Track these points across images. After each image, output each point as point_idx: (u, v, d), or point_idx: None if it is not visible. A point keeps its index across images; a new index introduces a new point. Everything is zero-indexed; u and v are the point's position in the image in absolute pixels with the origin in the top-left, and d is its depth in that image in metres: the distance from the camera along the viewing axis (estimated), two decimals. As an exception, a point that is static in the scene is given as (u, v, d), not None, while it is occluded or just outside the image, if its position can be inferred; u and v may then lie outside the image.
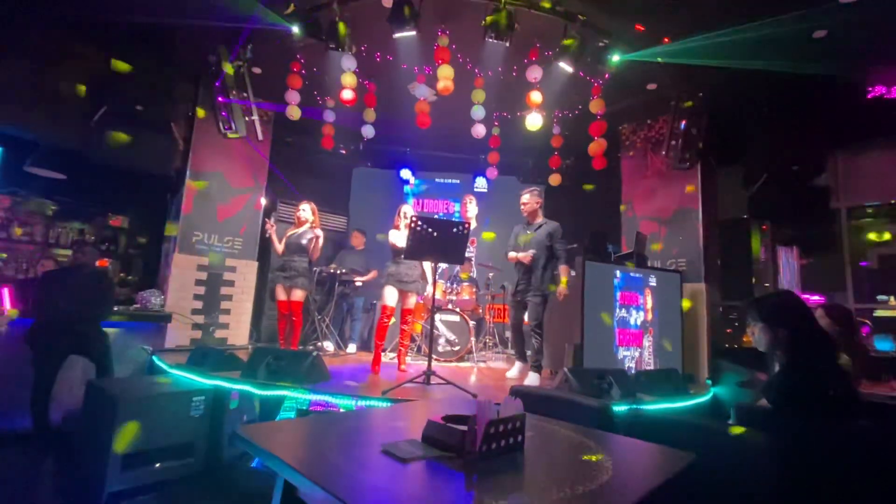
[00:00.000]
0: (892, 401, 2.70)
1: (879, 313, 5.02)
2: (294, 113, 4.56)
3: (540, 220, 4.02)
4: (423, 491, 0.90)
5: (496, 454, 1.08)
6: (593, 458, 1.12)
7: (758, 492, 1.45)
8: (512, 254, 4.01)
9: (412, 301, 4.06)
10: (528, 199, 4.06)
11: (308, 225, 4.42)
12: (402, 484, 0.91)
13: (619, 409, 2.73)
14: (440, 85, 4.11)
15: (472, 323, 5.19)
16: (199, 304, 4.88)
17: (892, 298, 4.96)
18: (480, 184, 7.47)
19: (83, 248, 3.56)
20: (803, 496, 1.60)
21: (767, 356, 2.05)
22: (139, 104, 4.94)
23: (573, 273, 3.93)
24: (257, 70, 4.87)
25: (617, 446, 1.30)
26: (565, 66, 4.12)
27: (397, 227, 4.02)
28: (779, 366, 1.95)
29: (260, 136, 5.15)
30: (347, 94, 4.32)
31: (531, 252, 3.83)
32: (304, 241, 4.29)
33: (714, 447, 1.55)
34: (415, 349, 5.38)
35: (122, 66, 4.46)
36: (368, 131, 5.01)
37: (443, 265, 5.44)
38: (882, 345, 4.56)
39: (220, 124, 4.84)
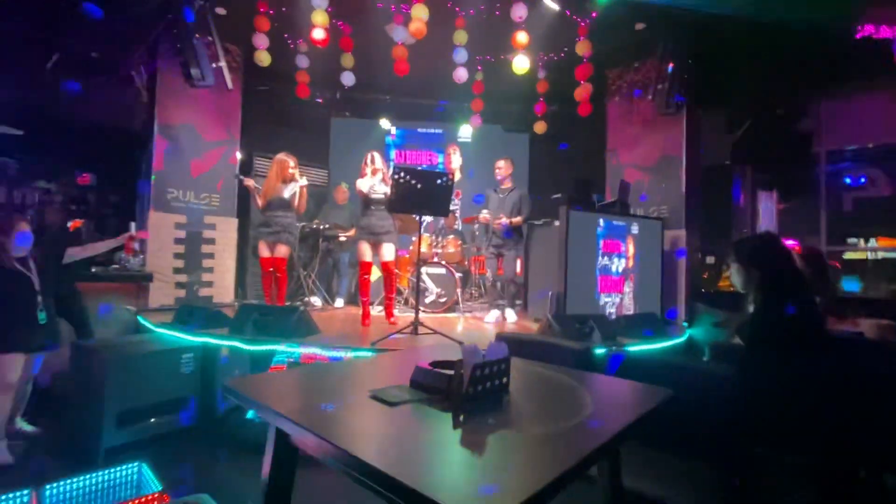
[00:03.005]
0: (854, 336, 2.88)
1: (848, 255, 5.22)
2: (263, 58, 4.27)
3: (510, 185, 4.49)
4: (412, 431, 0.93)
5: (482, 395, 1.11)
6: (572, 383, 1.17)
7: (728, 421, 1.55)
8: (485, 213, 4.50)
9: (388, 251, 3.93)
10: (504, 164, 4.49)
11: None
12: (390, 426, 0.94)
13: (600, 351, 2.84)
14: (412, 26, 3.87)
15: (458, 275, 5.24)
16: (180, 263, 4.79)
17: (861, 241, 5.15)
18: (464, 133, 7.27)
19: (46, 209, 3.44)
20: (769, 424, 1.72)
21: (744, 296, 2.13)
22: (94, 51, 4.56)
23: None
24: (221, 10, 4.50)
25: (598, 384, 1.35)
26: (551, 4, 3.91)
27: (363, 175, 3.94)
28: (753, 306, 2.03)
29: (229, 85, 4.85)
30: (319, 34, 4.05)
31: (502, 219, 4.33)
32: (286, 195, 4.13)
33: (688, 382, 1.63)
34: (402, 301, 5.45)
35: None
36: (348, 78, 4.76)
37: (428, 218, 5.41)
38: (849, 286, 4.79)
39: (185, 72, 4.52)
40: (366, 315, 4.03)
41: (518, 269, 4.56)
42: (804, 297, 2.01)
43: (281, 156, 4.19)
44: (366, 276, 3.99)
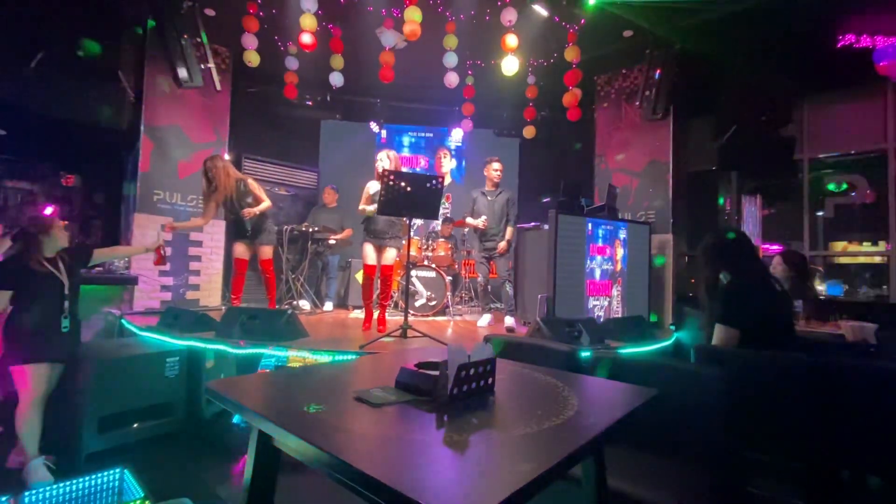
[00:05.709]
0: (834, 338, 2.95)
1: (831, 260, 5.32)
2: (253, 58, 4.25)
3: (497, 187, 4.42)
4: (396, 431, 0.92)
5: (467, 396, 1.11)
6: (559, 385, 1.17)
7: (711, 418, 1.57)
8: (469, 220, 4.37)
9: (390, 256, 3.84)
10: (499, 166, 4.41)
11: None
12: (374, 427, 0.93)
13: (587, 353, 2.85)
14: (407, 29, 3.90)
15: (448, 278, 5.24)
16: (165, 266, 4.71)
17: (843, 246, 5.25)
18: (455, 137, 7.29)
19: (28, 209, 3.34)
20: (748, 419, 1.75)
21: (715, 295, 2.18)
22: (80, 50, 4.50)
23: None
24: (210, 11, 4.48)
25: (583, 384, 1.35)
26: (540, 10, 3.95)
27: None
28: (717, 301, 2.09)
29: (218, 86, 4.81)
30: (307, 39, 4.04)
31: (483, 218, 4.28)
32: (248, 199, 3.93)
33: (672, 382, 1.65)
34: (392, 305, 5.42)
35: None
36: (337, 79, 4.75)
37: (418, 221, 5.41)
38: (832, 290, 4.88)
39: (174, 72, 4.48)
40: (368, 318, 3.92)
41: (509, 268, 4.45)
42: (770, 293, 2.06)
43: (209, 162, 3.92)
44: (371, 280, 3.88)
